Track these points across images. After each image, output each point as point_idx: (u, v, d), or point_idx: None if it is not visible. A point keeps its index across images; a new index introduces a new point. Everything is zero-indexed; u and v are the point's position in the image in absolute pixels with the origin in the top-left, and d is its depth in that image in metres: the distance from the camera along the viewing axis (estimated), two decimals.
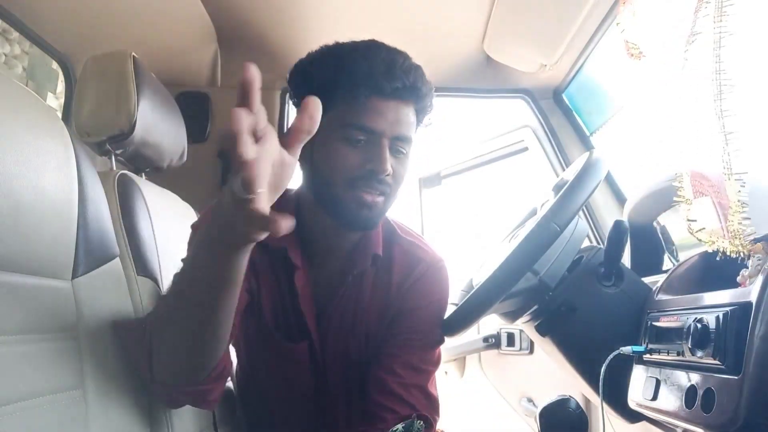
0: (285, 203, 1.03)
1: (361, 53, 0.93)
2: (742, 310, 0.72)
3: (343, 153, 0.93)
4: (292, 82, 1.00)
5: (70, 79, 1.65)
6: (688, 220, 0.86)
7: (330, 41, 0.99)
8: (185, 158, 1.35)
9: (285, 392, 1.10)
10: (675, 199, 0.88)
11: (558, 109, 1.81)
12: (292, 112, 1.87)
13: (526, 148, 1.91)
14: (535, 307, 1.09)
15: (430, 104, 0.99)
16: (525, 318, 1.12)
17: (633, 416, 0.98)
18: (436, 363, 1.08)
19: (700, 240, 0.85)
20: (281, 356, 1.06)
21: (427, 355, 1.05)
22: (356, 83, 0.91)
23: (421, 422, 0.94)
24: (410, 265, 1.06)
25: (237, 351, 1.15)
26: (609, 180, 1.68)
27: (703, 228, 0.84)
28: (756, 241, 0.75)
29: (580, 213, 1.42)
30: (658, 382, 0.86)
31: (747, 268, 0.78)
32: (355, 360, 1.07)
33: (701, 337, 0.76)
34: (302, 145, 0.62)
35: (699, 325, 0.76)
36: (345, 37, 0.99)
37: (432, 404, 1.03)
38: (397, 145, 0.94)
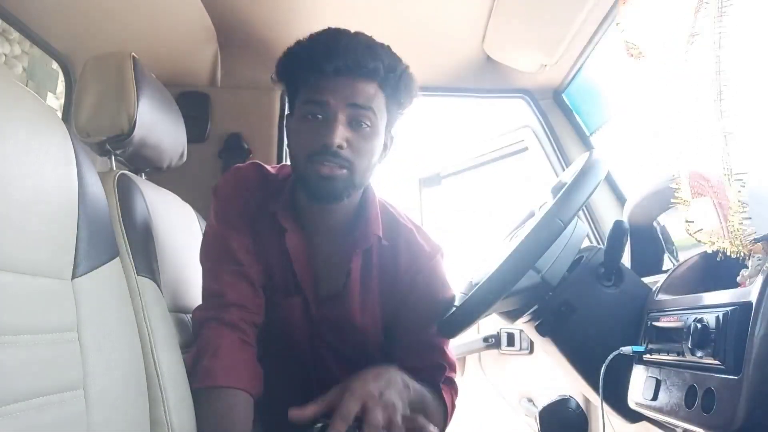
0: (285, 176, 1.12)
1: (308, 40, 1.01)
2: (742, 310, 0.72)
3: (302, 130, 1.00)
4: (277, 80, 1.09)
5: (70, 79, 1.65)
6: (686, 222, 0.86)
7: None
8: (185, 158, 1.36)
9: (282, 345, 1.15)
10: (672, 201, 0.88)
11: (558, 109, 1.81)
12: None
13: (526, 148, 1.91)
14: (535, 307, 1.09)
15: (397, 78, 1.02)
16: (525, 318, 1.12)
17: (633, 416, 0.98)
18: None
19: (698, 241, 0.85)
20: (275, 309, 1.11)
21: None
22: (304, 68, 0.99)
23: None
24: (414, 254, 1.12)
25: None
26: (609, 180, 1.68)
27: (701, 229, 0.84)
28: (756, 241, 0.75)
29: (580, 214, 1.42)
30: (658, 382, 0.86)
31: (747, 268, 0.78)
32: (349, 325, 1.13)
33: (701, 337, 0.76)
34: None
35: (699, 325, 0.76)
36: None
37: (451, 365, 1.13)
38: (356, 116, 0.98)
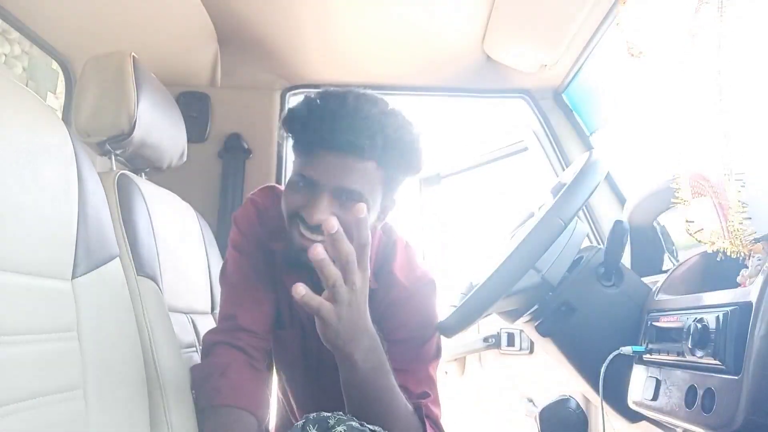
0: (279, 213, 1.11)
1: (306, 105, 0.96)
2: (742, 310, 0.72)
3: (290, 191, 0.97)
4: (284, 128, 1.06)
5: (70, 79, 1.65)
6: (686, 222, 0.86)
7: (329, 42, 1.01)
8: (185, 158, 1.36)
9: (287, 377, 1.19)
10: (672, 201, 0.88)
11: (558, 109, 1.81)
12: None
13: (526, 148, 1.91)
14: (536, 307, 1.09)
15: (399, 154, 0.96)
16: (525, 318, 1.12)
17: (633, 416, 0.98)
18: (436, 356, 1.08)
19: (698, 241, 0.85)
20: (276, 342, 1.14)
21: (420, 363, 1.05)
22: (297, 138, 0.97)
23: None
24: (388, 286, 1.07)
25: None
26: (609, 180, 1.68)
27: (701, 229, 0.84)
28: (756, 241, 0.75)
29: (580, 214, 1.42)
30: (658, 382, 0.86)
31: (747, 268, 0.78)
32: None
33: (701, 337, 0.76)
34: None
35: (699, 325, 0.76)
36: (344, 38, 1.00)
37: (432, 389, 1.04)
38: (343, 196, 0.94)
